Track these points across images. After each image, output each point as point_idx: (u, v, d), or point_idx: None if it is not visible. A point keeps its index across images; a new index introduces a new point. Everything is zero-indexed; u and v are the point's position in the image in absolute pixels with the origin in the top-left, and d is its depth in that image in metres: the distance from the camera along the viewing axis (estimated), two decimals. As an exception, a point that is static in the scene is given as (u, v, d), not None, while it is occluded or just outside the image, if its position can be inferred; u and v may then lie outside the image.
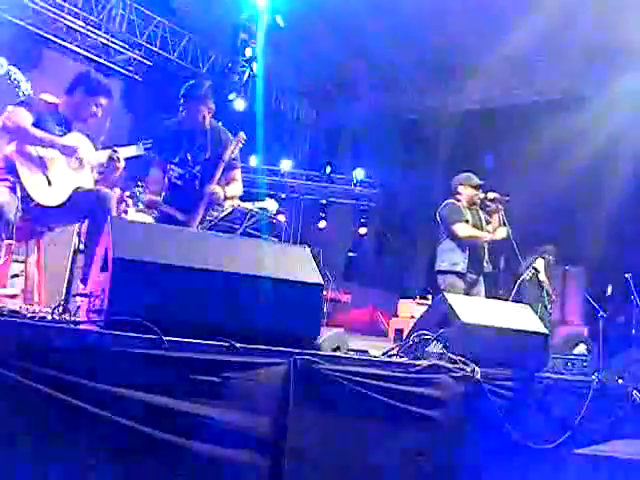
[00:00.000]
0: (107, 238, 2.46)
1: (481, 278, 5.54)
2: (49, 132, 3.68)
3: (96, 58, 9.64)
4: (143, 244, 2.45)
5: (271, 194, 10.43)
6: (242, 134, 4.42)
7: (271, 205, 5.69)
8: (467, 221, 5.50)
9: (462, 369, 2.99)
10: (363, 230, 12.97)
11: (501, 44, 8.99)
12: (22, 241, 3.78)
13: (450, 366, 2.99)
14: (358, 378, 2.59)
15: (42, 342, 1.98)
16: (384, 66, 11.11)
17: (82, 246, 4.66)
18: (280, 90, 12.65)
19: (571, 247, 9.01)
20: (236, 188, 4.45)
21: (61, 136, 3.75)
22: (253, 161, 11.97)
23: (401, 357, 3.23)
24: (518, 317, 3.63)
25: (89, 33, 9.39)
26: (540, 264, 7.84)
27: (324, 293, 3.84)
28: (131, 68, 10.23)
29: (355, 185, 13.00)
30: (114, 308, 2.24)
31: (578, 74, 10.20)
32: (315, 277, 2.70)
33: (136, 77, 10.29)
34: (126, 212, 5.87)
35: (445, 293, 3.70)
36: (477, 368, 3.01)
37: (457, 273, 5.41)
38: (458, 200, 5.61)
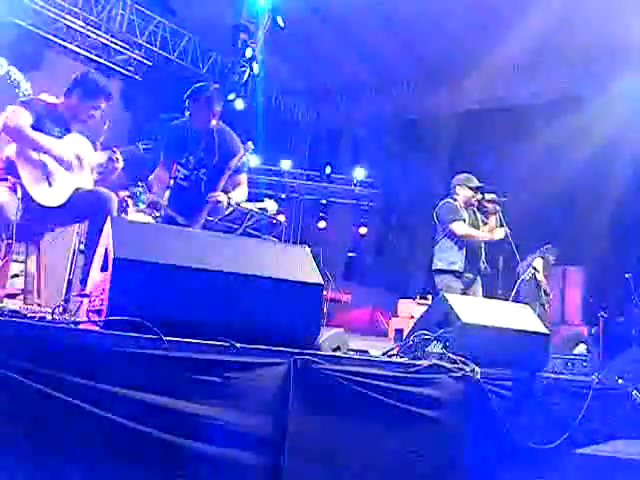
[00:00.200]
0: (107, 238, 2.46)
1: (478, 278, 5.54)
2: (48, 133, 3.68)
3: (96, 58, 9.63)
4: (143, 244, 2.45)
5: (271, 194, 10.43)
6: (250, 144, 4.42)
7: (271, 205, 5.69)
8: (464, 220, 5.51)
9: (462, 369, 2.99)
10: (363, 230, 12.97)
11: (501, 44, 8.99)
12: (22, 241, 3.78)
13: (450, 366, 2.99)
14: (358, 378, 2.59)
15: (42, 342, 1.98)
16: (384, 66, 11.12)
17: (82, 246, 4.67)
18: (280, 90, 12.65)
19: (571, 247, 9.01)
20: (241, 193, 4.45)
21: (60, 137, 3.75)
22: (253, 161, 11.97)
23: (401, 357, 3.23)
24: (518, 317, 3.63)
25: (89, 33, 9.39)
26: (539, 263, 7.85)
27: (324, 293, 3.84)
28: (131, 68, 10.22)
29: (355, 185, 13.00)
30: (114, 308, 2.24)
31: (577, 74, 10.20)
32: (315, 277, 2.70)
33: (136, 77, 10.28)
34: (126, 212, 5.86)
35: (445, 293, 3.70)
36: (477, 368, 3.01)
37: (454, 273, 5.41)
38: (455, 200, 5.62)
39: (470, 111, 11.22)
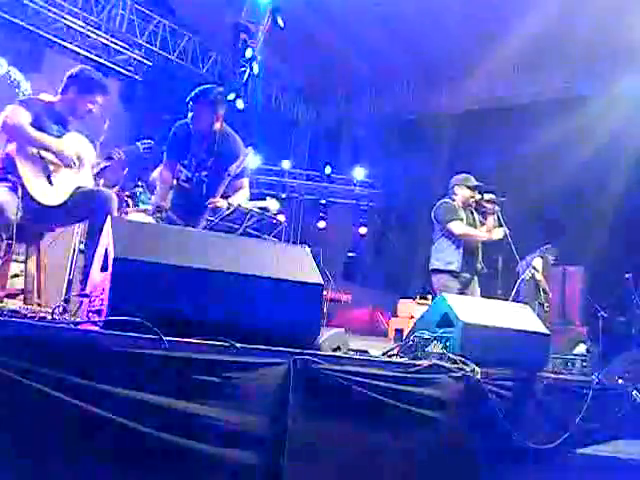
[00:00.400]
0: (107, 238, 2.46)
1: (476, 278, 5.53)
2: (46, 131, 3.68)
3: (96, 58, 9.64)
4: (143, 244, 2.45)
5: (272, 194, 10.42)
6: (250, 149, 4.42)
7: (272, 204, 5.67)
8: (461, 220, 5.50)
9: (462, 369, 2.99)
10: (363, 230, 12.98)
11: (501, 44, 8.99)
12: (22, 241, 3.78)
13: (450, 366, 2.99)
14: (358, 378, 2.59)
15: (42, 342, 1.98)
16: (384, 66, 11.12)
17: (82, 246, 4.67)
18: (280, 90, 12.65)
19: (571, 247, 9.01)
20: (242, 196, 4.45)
21: (59, 136, 3.75)
22: (253, 161, 11.97)
23: (401, 357, 3.24)
24: (518, 317, 3.63)
25: (89, 33, 9.40)
26: (538, 263, 7.85)
27: (324, 293, 3.84)
28: (131, 68, 10.23)
29: (355, 185, 13.01)
30: (114, 308, 2.24)
31: (578, 74, 10.20)
32: (315, 277, 2.70)
33: (136, 77, 10.29)
34: (126, 212, 5.86)
35: (444, 293, 3.70)
36: (477, 368, 3.01)
37: (451, 272, 5.40)
38: (453, 200, 5.62)
39: (470, 111, 11.22)
